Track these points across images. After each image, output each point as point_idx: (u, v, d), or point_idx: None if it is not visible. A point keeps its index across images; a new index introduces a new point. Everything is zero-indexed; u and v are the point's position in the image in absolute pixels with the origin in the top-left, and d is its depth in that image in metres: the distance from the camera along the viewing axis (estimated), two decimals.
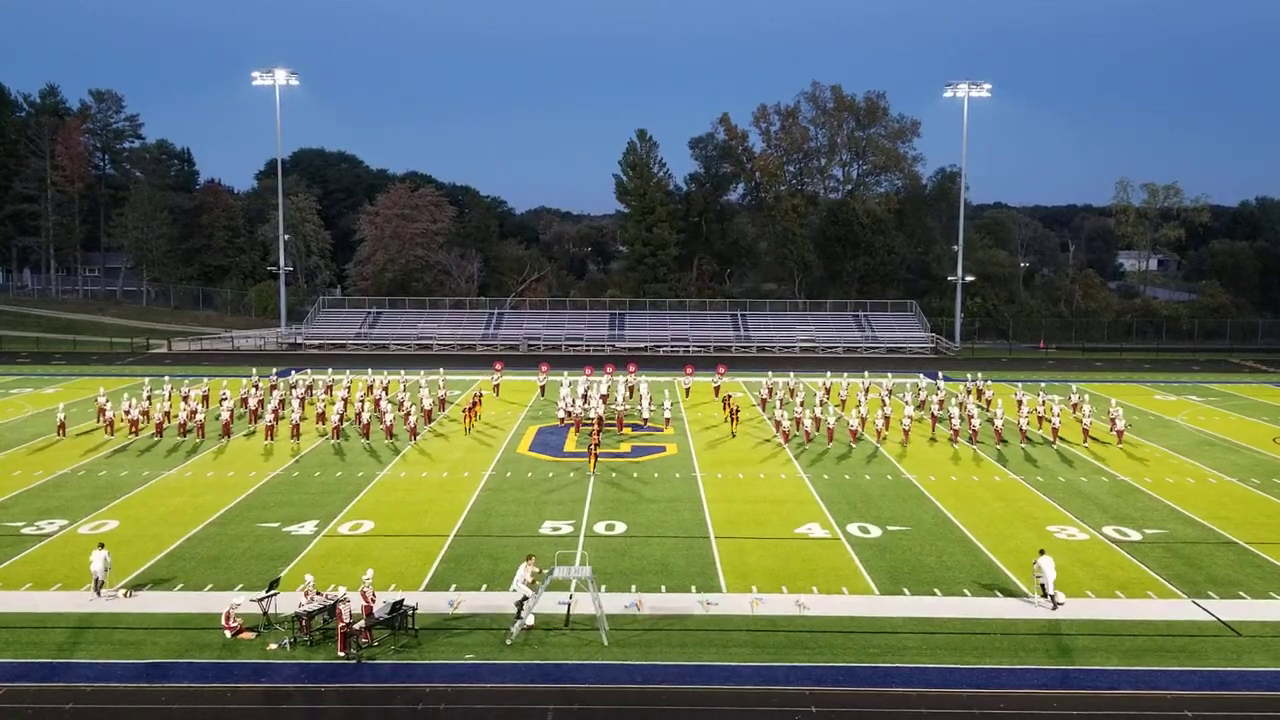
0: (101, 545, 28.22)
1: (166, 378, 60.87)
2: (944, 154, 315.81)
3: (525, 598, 24.74)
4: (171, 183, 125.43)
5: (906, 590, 27.97)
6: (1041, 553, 27.61)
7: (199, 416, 49.59)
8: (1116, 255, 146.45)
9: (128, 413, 49.25)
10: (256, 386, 58.05)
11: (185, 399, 53.78)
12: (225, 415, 48.94)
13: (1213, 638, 24.92)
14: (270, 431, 48.03)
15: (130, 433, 48.42)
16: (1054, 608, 26.50)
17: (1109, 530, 34.00)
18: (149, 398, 53.36)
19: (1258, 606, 27.00)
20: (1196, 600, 27.39)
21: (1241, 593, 28.01)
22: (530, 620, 24.80)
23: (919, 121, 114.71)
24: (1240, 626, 25.56)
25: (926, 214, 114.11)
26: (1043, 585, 26.83)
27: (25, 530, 33.09)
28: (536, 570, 25.57)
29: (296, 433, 48.47)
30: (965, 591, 27.94)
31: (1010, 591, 27.90)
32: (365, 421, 48.33)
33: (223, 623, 24.62)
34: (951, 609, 26.59)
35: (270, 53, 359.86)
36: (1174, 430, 52.03)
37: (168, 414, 50.29)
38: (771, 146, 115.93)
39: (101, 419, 49.73)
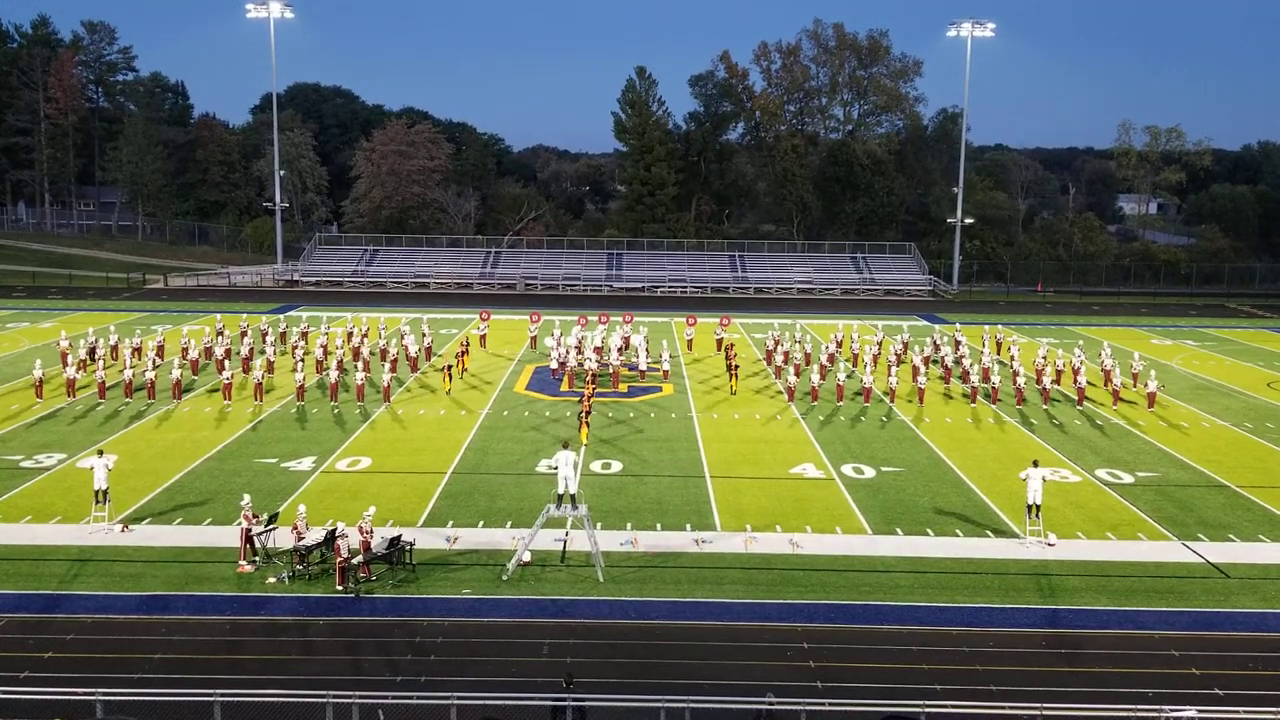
0: (101, 452, 28.47)
1: (112, 327, 55.88)
2: (946, 94, 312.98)
3: (572, 493, 25.33)
4: (166, 116, 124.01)
5: (899, 530, 28.23)
6: (1035, 464, 28.05)
7: (149, 374, 43.71)
8: (1116, 199, 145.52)
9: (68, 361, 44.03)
10: (221, 334, 52.86)
11: (136, 351, 46.72)
12: (176, 373, 43.43)
13: (1201, 579, 25.21)
14: (227, 390, 42.74)
15: (67, 394, 42.63)
16: (1045, 536, 27.07)
17: (1101, 473, 34.22)
18: (92, 350, 48.46)
19: (1246, 549, 27.30)
20: (1186, 542, 27.66)
21: (1231, 535, 28.29)
22: (527, 557, 25.05)
23: (921, 61, 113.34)
24: (1228, 568, 25.86)
25: (927, 155, 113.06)
26: (1032, 505, 27.16)
27: (24, 464, 33.26)
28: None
29: (260, 394, 42.84)
30: (957, 532, 28.21)
31: (1002, 532, 28.16)
32: (334, 381, 43.55)
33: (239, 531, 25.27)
34: (943, 549, 26.86)
35: None
36: (1169, 374, 52.11)
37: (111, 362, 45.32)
38: (772, 85, 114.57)
39: (64, 364, 44.61)
